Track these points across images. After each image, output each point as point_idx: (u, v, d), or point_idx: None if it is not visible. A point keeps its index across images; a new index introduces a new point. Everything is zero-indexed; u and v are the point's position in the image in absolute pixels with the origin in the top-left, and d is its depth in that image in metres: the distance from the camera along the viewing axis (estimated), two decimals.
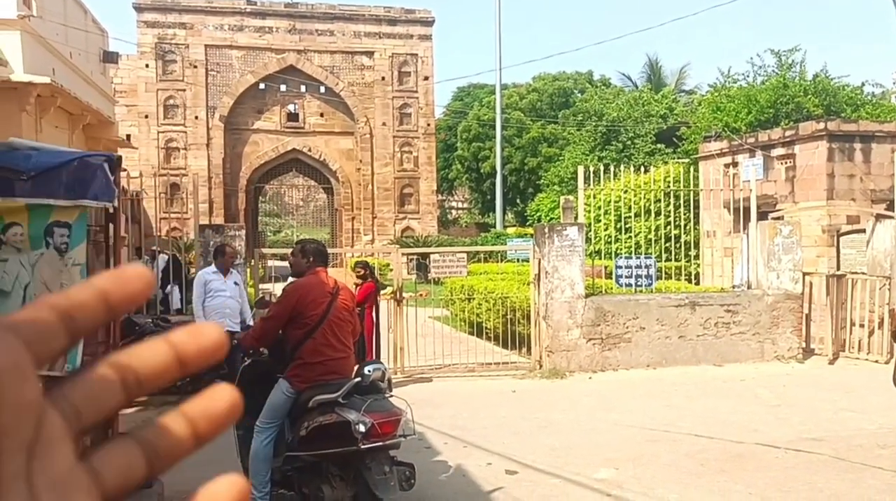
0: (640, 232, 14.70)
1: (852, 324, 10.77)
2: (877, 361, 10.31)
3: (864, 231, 12.37)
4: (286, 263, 8.42)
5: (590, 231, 11.65)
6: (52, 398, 0.30)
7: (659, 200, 12.55)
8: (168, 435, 0.33)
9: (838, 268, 12.82)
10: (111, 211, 3.53)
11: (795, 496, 5.17)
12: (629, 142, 29.58)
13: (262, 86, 30.42)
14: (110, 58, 17.57)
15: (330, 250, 5.35)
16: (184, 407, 0.33)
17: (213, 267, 8.37)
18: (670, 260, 12.83)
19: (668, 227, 12.74)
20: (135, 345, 0.32)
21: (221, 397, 0.33)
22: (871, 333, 10.54)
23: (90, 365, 0.31)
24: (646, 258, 11.05)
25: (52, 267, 3.28)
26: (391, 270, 12.75)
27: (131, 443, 0.32)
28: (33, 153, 3.32)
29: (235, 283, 8.40)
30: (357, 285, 8.85)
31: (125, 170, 5.05)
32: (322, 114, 31.14)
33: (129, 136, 25.21)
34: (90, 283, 0.32)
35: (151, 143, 29.02)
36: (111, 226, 3.72)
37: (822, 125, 16.52)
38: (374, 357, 9.04)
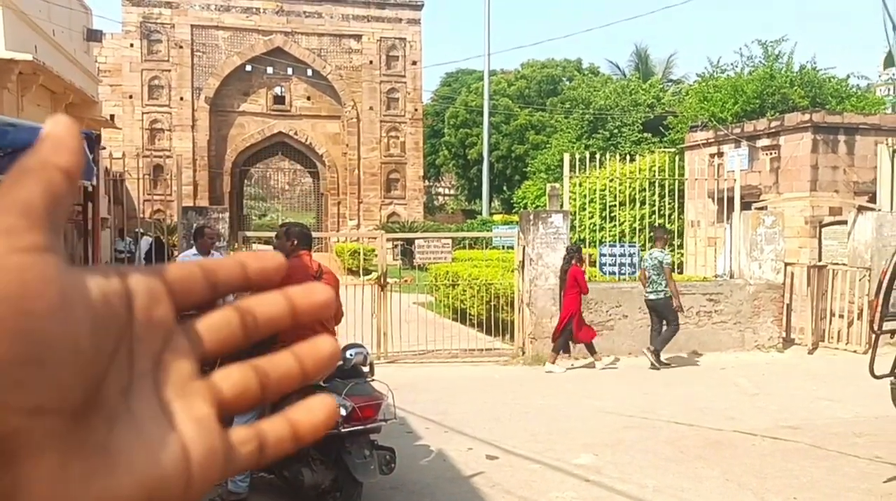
0: (625, 220, 14.75)
1: (832, 315, 10.88)
2: (855, 351, 10.43)
3: (845, 222, 12.47)
4: (269, 247, 8.39)
5: (575, 219, 11.66)
6: (181, 326, 0.35)
7: (644, 189, 12.58)
8: (280, 367, 0.38)
9: (820, 259, 12.94)
10: (90, 189, 3.49)
11: (772, 482, 5.24)
12: (616, 131, 29.58)
13: (248, 67, 30.16)
14: (94, 36, 17.33)
15: (315, 234, 5.34)
16: (293, 348, 0.38)
17: (193, 250, 8.32)
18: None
19: (654, 216, 12.78)
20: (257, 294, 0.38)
21: (325, 344, 0.38)
22: (850, 324, 10.65)
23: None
24: (630, 246, 11.09)
25: None
26: (376, 255, 12.72)
27: (247, 368, 0.37)
28: (10, 129, 3.28)
29: None
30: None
31: (105, 147, 5.00)
32: (309, 98, 30.94)
33: (112, 117, 24.93)
34: (233, 256, 0.39)
35: (136, 124, 28.73)
36: (90, 205, 3.68)
37: (807, 116, 16.61)
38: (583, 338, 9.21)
